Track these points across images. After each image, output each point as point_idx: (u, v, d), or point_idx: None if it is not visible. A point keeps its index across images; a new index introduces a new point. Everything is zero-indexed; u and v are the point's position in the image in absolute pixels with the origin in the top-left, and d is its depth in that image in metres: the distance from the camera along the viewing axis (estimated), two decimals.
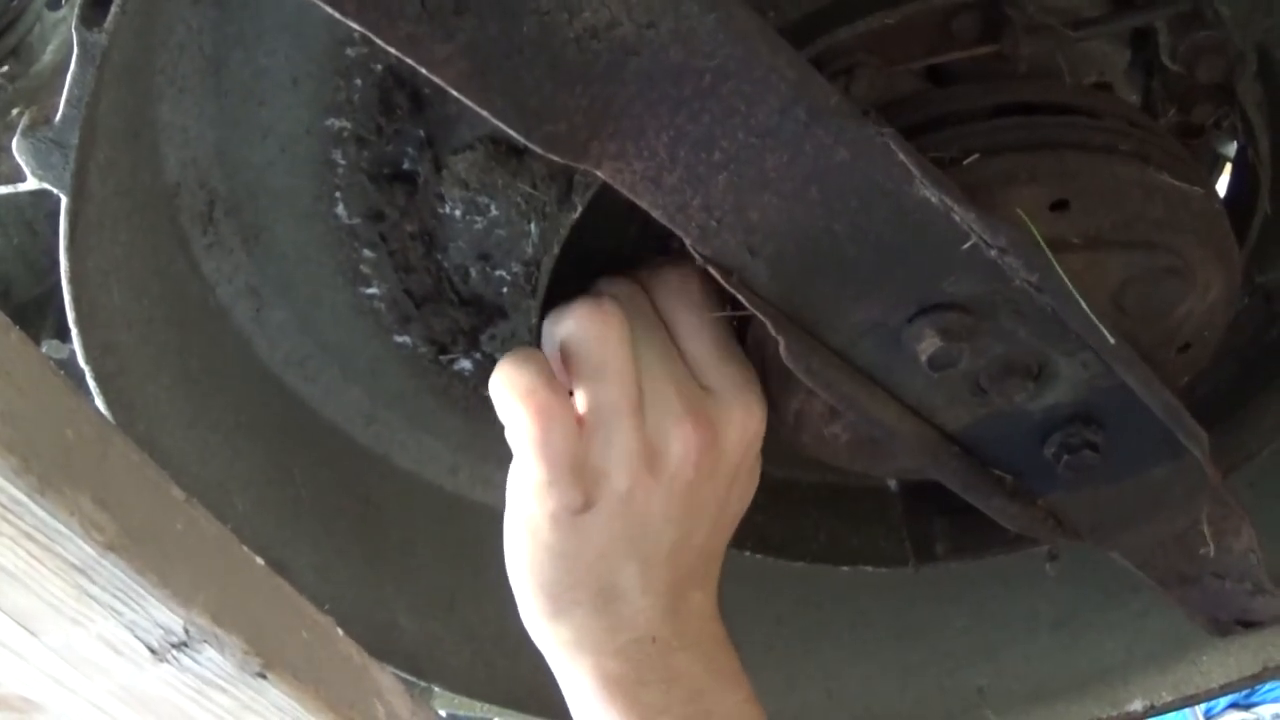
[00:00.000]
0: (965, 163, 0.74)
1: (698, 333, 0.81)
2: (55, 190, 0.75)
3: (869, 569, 1.04)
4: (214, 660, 0.64)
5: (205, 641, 0.63)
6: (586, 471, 0.79)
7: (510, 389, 0.78)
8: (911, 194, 0.70)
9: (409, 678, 0.99)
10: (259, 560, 0.70)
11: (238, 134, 0.87)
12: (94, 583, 0.60)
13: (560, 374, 0.80)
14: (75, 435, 0.58)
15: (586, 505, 0.79)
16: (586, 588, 0.80)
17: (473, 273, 0.93)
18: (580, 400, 0.79)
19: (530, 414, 0.77)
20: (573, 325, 0.79)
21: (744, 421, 0.81)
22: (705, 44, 0.64)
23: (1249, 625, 1.01)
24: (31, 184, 0.76)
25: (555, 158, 0.67)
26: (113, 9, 0.70)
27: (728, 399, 0.81)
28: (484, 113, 0.65)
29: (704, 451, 0.80)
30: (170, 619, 0.62)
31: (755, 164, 0.68)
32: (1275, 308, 0.97)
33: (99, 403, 0.82)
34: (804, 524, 1.04)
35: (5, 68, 0.97)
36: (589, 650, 0.81)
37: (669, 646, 0.81)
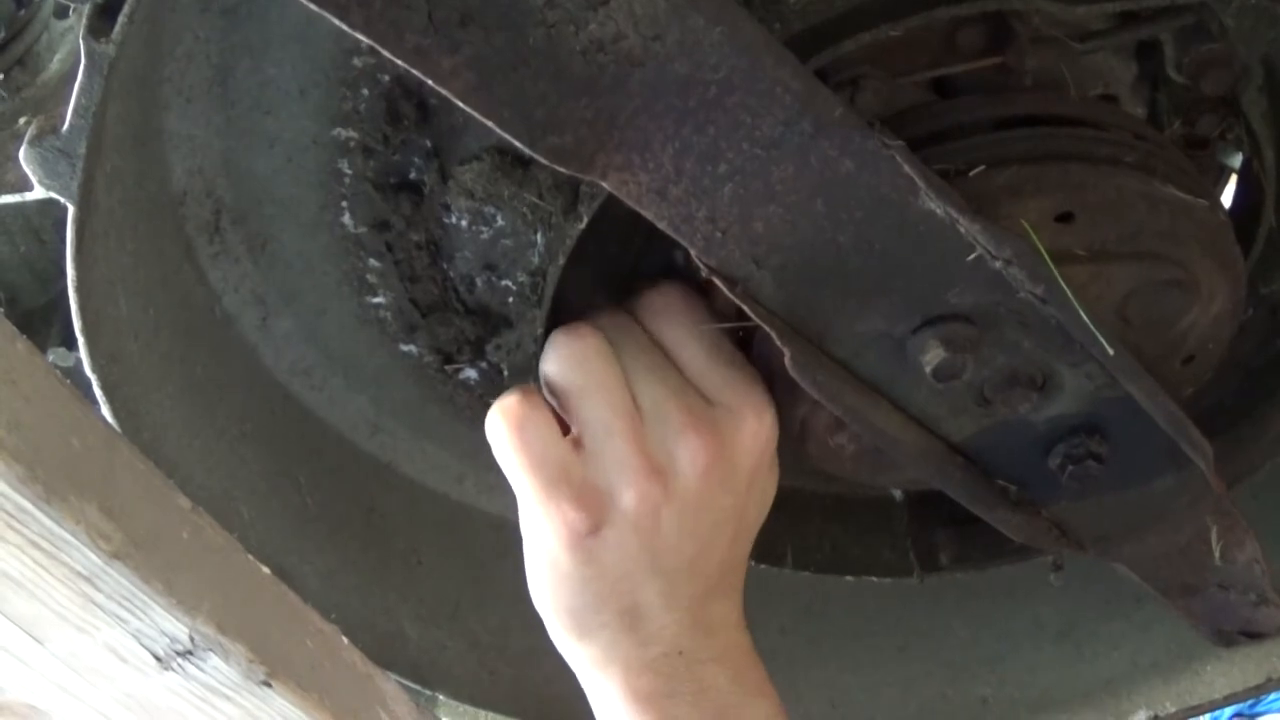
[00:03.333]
0: (970, 175, 0.74)
1: (689, 345, 0.81)
2: (62, 199, 0.75)
3: (873, 579, 1.04)
4: (219, 668, 0.64)
5: (210, 650, 0.63)
6: (588, 492, 0.78)
7: (491, 411, 0.80)
8: (916, 206, 0.70)
9: (414, 686, 0.99)
10: (264, 569, 0.70)
11: (244, 143, 0.87)
12: (100, 590, 0.60)
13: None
14: (81, 444, 0.58)
15: (595, 527, 0.78)
16: (610, 609, 0.80)
17: (478, 282, 0.93)
18: (574, 425, 0.80)
19: (506, 421, 0.79)
20: (552, 356, 0.80)
21: (754, 428, 0.80)
22: (710, 56, 0.64)
23: (1253, 636, 1.01)
24: (38, 193, 0.76)
25: (561, 169, 0.67)
26: (120, 18, 0.70)
27: (734, 407, 0.80)
28: (490, 124, 0.65)
29: (713, 461, 0.79)
30: (175, 627, 0.62)
31: (760, 176, 0.69)
32: None
33: (105, 411, 0.82)
34: (808, 534, 1.04)
35: (12, 77, 0.97)
36: (618, 666, 0.81)
37: (696, 659, 0.81)
